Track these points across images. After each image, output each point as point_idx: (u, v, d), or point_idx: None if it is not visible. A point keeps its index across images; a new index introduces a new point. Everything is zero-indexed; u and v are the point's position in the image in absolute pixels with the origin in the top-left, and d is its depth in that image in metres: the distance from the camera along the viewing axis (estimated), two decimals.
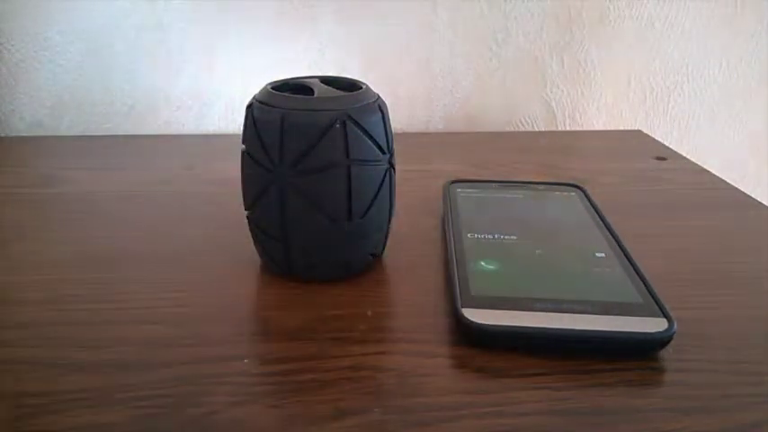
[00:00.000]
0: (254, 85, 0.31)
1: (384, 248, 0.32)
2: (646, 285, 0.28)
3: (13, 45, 0.53)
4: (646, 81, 0.59)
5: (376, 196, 0.29)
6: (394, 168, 0.31)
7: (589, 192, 0.38)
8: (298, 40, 0.55)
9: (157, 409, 0.22)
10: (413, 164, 0.44)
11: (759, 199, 0.41)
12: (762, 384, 0.24)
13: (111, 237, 0.35)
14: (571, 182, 0.40)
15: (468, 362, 0.25)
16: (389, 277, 0.31)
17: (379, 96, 0.30)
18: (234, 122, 0.57)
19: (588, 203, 0.37)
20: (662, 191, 0.43)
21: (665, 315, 0.25)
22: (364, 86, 0.30)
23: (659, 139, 0.55)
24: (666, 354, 0.25)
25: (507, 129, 0.59)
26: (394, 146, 0.31)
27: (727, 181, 0.44)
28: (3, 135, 0.54)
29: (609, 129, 0.60)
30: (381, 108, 0.29)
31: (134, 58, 0.54)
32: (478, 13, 0.55)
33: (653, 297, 0.27)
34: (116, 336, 0.26)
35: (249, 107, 0.29)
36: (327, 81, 0.31)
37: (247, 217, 0.31)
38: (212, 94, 0.56)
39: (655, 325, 0.25)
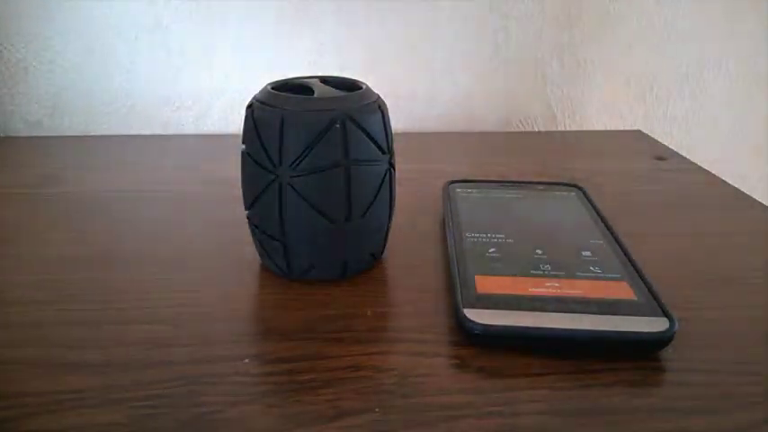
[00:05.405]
0: (254, 85, 0.31)
1: (384, 248, 0.32)
2: (646, 285, 0.28)
3: (13, 45, 0.53)
4: (646, 81, 0.59)
5: (376, 196, 0.29)
6: (394, 168, 0.31)
7: (589, 192, 0.38)
8: (298, 40, 0.55)
9: (157, 409, 0.22)
10: (413, 164, 0.44)
11: (759, 199, 0.41)
12: (762, 384, 0.24)
13: (112, 237, 0.35)
14: (571, 182, 0.40)
15: (468, 362, 0.25)
16: (389, 277, 0.31)
17: (379, 96, 0.30)
18: (234, 122, 0.57)
19: (588, 203, 0.37)
20: (662, 191, 0.43)
21: (666, 314, 0.25)
22: (364, 86, 0.30)
23: (659, 139, 0.55)
24: (666, 354, 0.25)
25: (507, 129, 0.59)
26: (394, 146, 0.31)
27: (727, 181, 0.44)
28: (3, 135, 0.54)
29: (609, 129, 0.60)
30: (381, 108, 0.29)
31: (134, 58, 0.54)
32: (479, 13, 0.55)
33: (653, 296, 0.27)
34: (116, 336, 0.26)
35: (249, 107, 0.29)
36: (327, 81, 0.31)
37: (247, 217, 0.31)
38: (212, 94, 0.56)
39: (655, 324, 0.25)
